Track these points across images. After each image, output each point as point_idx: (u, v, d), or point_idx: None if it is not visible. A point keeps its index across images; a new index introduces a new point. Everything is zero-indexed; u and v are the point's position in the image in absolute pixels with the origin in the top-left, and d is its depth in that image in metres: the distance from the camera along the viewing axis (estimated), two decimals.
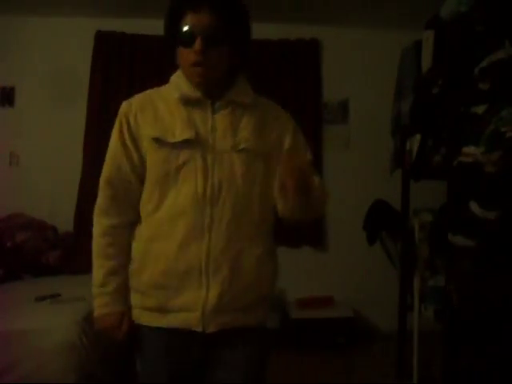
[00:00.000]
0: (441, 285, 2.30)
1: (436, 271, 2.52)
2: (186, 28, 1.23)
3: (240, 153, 1.29)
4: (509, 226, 1.79)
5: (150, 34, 3.53)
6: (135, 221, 1.35)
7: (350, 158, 3.83)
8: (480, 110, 1.87)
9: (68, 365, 2.11)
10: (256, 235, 1.32)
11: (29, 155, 3.66)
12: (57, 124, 3.66)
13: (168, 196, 1.28)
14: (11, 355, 2.09)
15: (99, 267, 1.34)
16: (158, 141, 1.28)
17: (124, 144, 1.32)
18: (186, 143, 1.27)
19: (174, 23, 1.27)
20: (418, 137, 2.52)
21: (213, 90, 1.31)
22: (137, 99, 1.35)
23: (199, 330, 1.27)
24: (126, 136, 1.31)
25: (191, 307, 1.26)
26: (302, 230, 3.67)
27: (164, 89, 1.37)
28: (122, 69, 3.65)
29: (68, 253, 3.35)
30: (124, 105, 1.35)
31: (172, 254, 1.26)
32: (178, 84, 1.33)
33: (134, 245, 1.34)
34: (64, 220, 3.52)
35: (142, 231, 1.33)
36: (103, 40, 3.66)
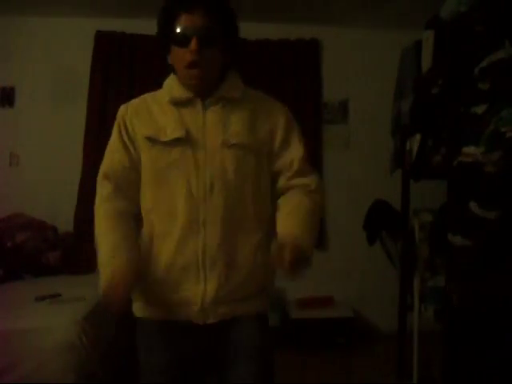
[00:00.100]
0: (441, 285, 2.31)
1: (436, 271, 2.52)
2: (180, 29, 1.27)
3: (231, 148, 1.32)
4: (509, 226, 1.79)
5: (149, 34, 3.50)
6: (139, 216, 1.36)
7: (350, 157, 3.82)
8: (480, 110, 1.87)
9: (68, 365, 2.12)
10: (251, 229, 1.34)
11: (29, 155, 3.66)
12: (57, 124, 3.66)
13: (162, 195, 1.31)
14: (11, 355, 2.10)
15: (104, 244, 1.30)
16: (151, 139, 1.32)
17: (123, 142, 1.36)
18: (177, 141, 1.31)
19: (167, 24, 1.30)
20: (417, 137, 2.51)
21: (205, 89, 1.34)
22: (133, 103, 1.41)
23: (200, 322, 1.32)
24: (125, 137, 1.36)
25: (191, 301, 1.30)
26: None
27: (158, 93, 1.42)
28: (121, 69, 3.65)
29: (68, 253, 3.34)
30: (122, 108, 1.41)
31: (171, 251, 1.30)
32: (171, 87, 1.37)
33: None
34: (64, 220, 3.52)
35: (143, 230, 1.35)
36: (103, 40, 3.66)
